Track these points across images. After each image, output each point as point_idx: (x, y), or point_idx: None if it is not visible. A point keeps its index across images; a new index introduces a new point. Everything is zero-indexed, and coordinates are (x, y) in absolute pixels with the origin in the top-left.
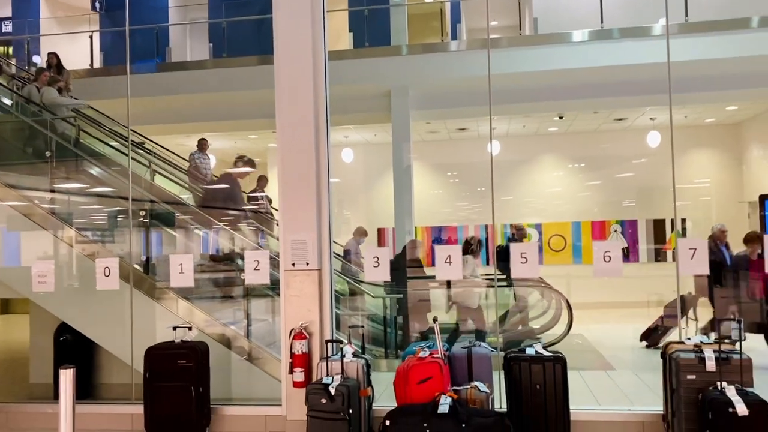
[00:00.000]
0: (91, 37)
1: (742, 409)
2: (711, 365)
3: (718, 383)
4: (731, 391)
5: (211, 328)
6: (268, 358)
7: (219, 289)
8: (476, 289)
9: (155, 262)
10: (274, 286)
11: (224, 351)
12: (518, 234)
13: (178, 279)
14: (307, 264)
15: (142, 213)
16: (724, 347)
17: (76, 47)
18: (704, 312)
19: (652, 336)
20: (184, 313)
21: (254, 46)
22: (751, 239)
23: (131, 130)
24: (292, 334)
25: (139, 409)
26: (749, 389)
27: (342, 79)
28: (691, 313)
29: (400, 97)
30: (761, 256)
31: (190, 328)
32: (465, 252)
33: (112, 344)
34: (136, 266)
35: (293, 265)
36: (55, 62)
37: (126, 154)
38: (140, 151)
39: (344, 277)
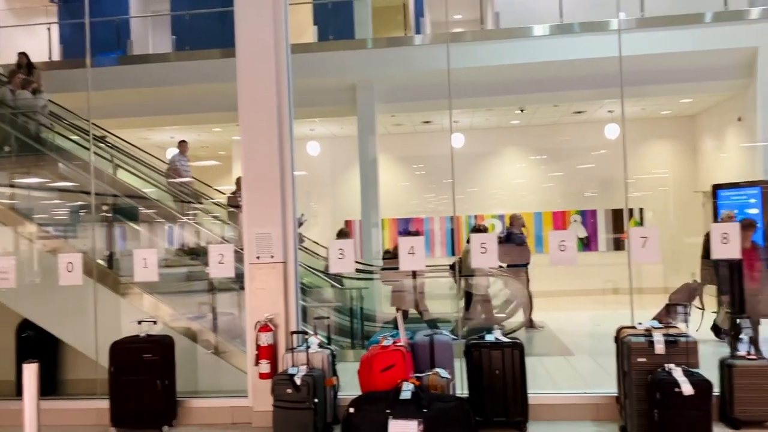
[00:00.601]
0: (49, 29)
1: (687, 388)
2: (660, 348)
3: (666, 365)
4: (678, 372)
5: (176, 322)
6: (234, 351)
7: (185, 284)
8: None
9: (119, 256)
10: (240, 279)
11: (190, 344)
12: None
13: (142, 273)
14: (272, 257)
15: (105, 208)
16: (672, 331)
17: (34, 39)
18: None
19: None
20: (150, 307)
21: (218, 39)
22: (744, 226)
23: (92, 123)
24: (258, 327)
25: (104, 404)
26: (695, 370)
27: (307, 73)
28: (697, 301)
29: (365, 90)
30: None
31: (155, 322)
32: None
33: (76, 340)
34: (99, 261)
35: (258, 258)
36: (25, 62)
37: (88, 149)
38: (102, 145)
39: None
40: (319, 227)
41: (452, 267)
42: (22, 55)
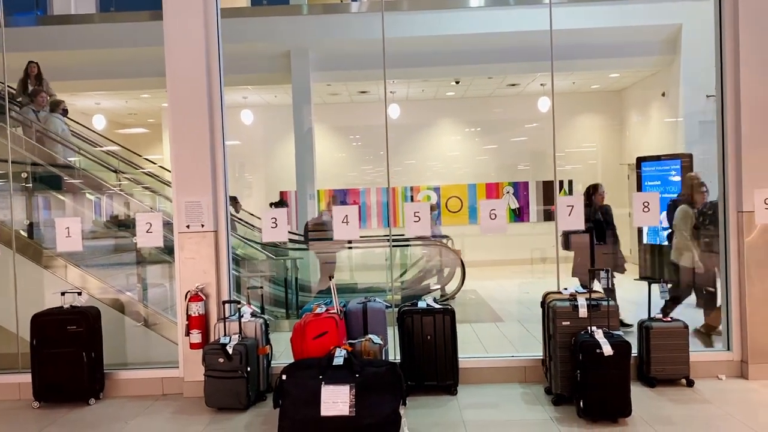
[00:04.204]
0: None
1: (607, 349)
2: (583, 312)
3: (589, 327)
4: (599, 334)
5: (104, 294)
6: (165, 322)
7: (114, 255)
8: None
9: (42, 227)
10: (171, 251)
11: (119, 316)
12: None
13: (65, 243)
14: (203, 226)
15: (24, 176)
16: (594, 295)
17: None
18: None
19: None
20: (75, 279)
21: (145, 0)
22: None
23: (8, 87)
24: (188, 296)
25: (26, 378)
26: (615, 332)
27: (240, 38)
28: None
29: (299, 57)
30: None
31: (79, 293)
32: None
33: None
34: (20, 231)
35: (188, 227)
36: (35, 72)
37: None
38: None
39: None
40: (253, 198)
41: None
42: (33, 64)
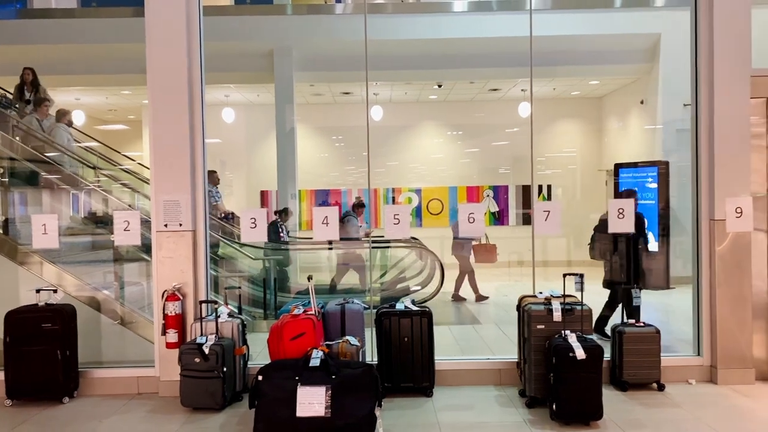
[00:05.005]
0: None
1: (580, 353)
2: (557, 316)
3: (563, 331)
4: (572, 338)
5: (80, 292)
6: (141, 321)
7: (91, 253)
8: None
9: (18, 223)
10: (148, 249)
11: (95, 314)
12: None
13: (41, 240)
14: (181, 225)
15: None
16: (568, 300)
17: None
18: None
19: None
20: (51, 276)
21: None
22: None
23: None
24: (165, 296)
25: None
26: (588, 336)
27: (223, 36)
28: None
29: (283, 57)
30: None
31: (55, 291)
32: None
33: None
34: None
35: (166, 226)
36: (30, 78)
37: None
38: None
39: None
40: (234, 197)
41: None
42: (28, 71)
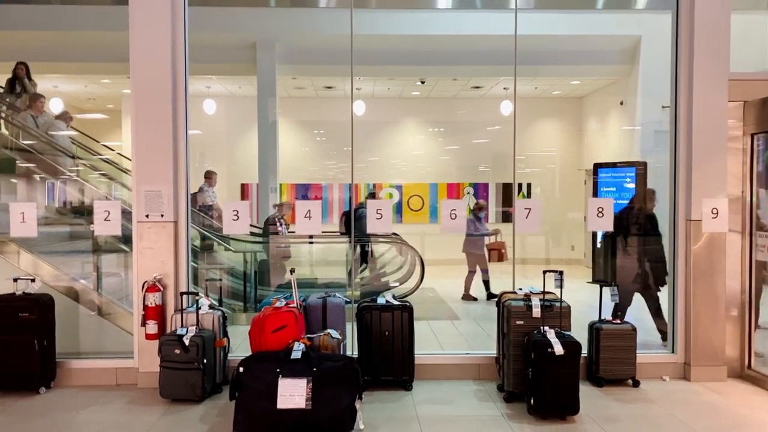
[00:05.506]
0: None
1: (558, 349)
2: (536, 312)
3: (542, 327)
4: (551, 334)
5: (58, 282)
6: (120, 312)
7: (69, 243)
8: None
9: None
10: (126, 240)
11: (73, 305)
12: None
13: (19, 229)
14: (162, 216)
15: None
16: (547, 296)
17: None
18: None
19: None
20: (29, 266)
21: None
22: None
23: None
24: (145, 287)
25: None
26: (566, 332)
27: (205, 27)
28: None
29: (265, 49)
30: None
31: (33, 280)
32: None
33: None
34: None
35: (147, 216)
36: (23, 72)
37: None
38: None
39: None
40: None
41: None
42: (21, 66)
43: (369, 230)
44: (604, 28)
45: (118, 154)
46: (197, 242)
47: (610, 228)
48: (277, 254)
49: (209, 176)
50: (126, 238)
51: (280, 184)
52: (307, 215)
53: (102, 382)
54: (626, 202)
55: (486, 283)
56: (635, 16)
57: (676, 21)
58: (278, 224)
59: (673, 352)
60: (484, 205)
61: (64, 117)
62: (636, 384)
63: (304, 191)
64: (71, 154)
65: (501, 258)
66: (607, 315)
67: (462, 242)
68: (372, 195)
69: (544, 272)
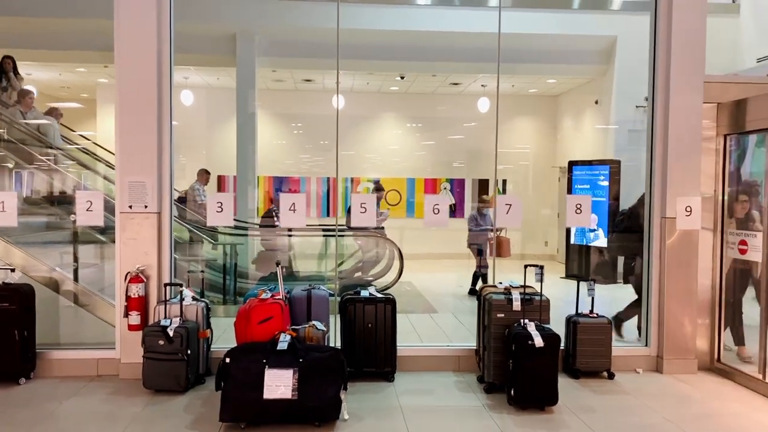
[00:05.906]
0: None
1: (538, 341)
2: (517, 305)
3: (522, 320)
4: (531, 327)
5: (38, 272)
6: (102, 303)
7: (48, 233)
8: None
9: None
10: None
11: (53, 295)
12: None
13: None
14: (146, 207)
15: None
16: (527, 290)
17: None
18: None
19: None
20: (4, 255)
21: None
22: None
23: None
24: (128, 278)
25: None
26: (546, 325)
27: (185, 16)
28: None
29: (245, 41)
30: None
31: (13, 270)
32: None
33: None
34: None
35: (130, 207)
36: (11, 66)
37: None
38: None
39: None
40: (186, 180)
41: None
42: (8, 60)
43: (354, 224)
44: (581, 27)
45: (94, 143)
46: (184, 234)
47: (587, 224)
48: (274, 246)
49: (201, 174)
50: (106, 228)
51: (258, 177)
52: (292, 208)
53: (83, 373)
54: (602, 199)
55: (477, 276)
56: (611, 16)
57: (654, 23)
58: (275, 218)
59: (646, 345)
60: (488, 200)
61: (54, 113)
62: (611, 376)
63: (279, 184)
64: (48, 144)
65: (504, 253)
66: (584, 309)
67: (464, 239)
68: (379, 188)
69: (526, 266)
